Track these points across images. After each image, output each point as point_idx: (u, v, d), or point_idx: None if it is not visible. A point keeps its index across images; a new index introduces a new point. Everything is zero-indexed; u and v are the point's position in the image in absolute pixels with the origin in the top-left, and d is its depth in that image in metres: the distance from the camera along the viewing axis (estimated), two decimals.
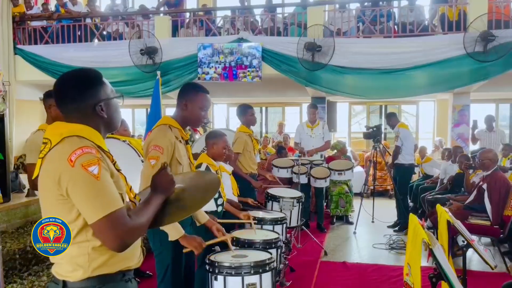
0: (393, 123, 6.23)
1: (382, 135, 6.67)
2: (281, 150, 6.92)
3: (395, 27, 7.50)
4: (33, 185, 3.05)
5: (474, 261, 4.56)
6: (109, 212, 1.38)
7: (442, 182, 6.36)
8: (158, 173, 1.62)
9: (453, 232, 3.14)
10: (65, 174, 1.38)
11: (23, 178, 5.38)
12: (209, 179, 1.94)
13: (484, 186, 4.52)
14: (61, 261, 1.47)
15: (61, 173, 1.39)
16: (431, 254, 1.78)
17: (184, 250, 2.33)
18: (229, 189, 3.54)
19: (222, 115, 11.26)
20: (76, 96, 1.51)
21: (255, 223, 3.32)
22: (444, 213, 2.57)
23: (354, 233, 5.95)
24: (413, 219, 2.17)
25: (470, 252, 3.73)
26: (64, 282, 1.47)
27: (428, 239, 1.80)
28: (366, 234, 6.01)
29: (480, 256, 2.38)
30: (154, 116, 5.72)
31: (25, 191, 4.87)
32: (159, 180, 1.60)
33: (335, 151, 7.36)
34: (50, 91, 3.12)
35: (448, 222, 2.54)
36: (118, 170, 1.58)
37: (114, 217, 1.38)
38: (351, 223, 6.43)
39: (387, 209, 7.04)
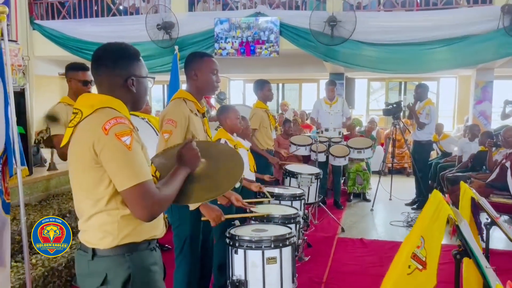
0: (422, 96, 5.97)
1: (402, 113, 6.51)
2: (285, 123, 6.87)
3: (418, 0, 7.25)
4: (62, 154, 3.07)
5: (494, 239, 4.50)
6: (139, 181, 1.40)
7: (460, 160, 6.25)
8: (183, 147, 1.64)
9: (476, 209, 3.09)
10: (99, 142, 1.41)
11: (44, 152, 5.47)
12: (231, 154, 1.92)
13: (507, 164, 4.43)
14: (91, 228, 1.50)
15: (94, 140, 1.41)
16: (457, 230, 1.74)
17: (202, 218, 2.36)
18: (246, 165, 3.53)
19: (238, 91, 11.20)
20: (110, 64, 1.54)
21: (272, 197, 3.34)
22: (468, 190, 2.51)
23: (371, 210, 5.93)
24: (436, 194, 2.12)
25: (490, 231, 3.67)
26: (94, 250, 1.50)
27: (454, 215, 1.76)
28: (384, 212, 5.99)
29: (505, 234, 2.33)
30: (174, 92, 5.69)
31: (47, 165, 4.96)
32: (184, 154, 1.62)
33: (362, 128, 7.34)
34: (71, 64, 3.13)
35: (472, 199, 2.48)
36: None
37: (143, 187, 1.41)
38: (368, 201, 6.40)
39: (405, 187, 6.98)
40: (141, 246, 1.54)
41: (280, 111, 10.18)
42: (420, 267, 1.95)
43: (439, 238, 1.99)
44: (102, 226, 1.47)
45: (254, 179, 3.58)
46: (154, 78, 1.69)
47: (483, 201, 2.38)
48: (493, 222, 2.45)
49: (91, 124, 1.44)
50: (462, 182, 2.69)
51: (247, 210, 2.84)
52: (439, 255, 1.99)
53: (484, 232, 2.69)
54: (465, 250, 1.80)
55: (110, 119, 1.42)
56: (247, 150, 3.62)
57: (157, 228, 1.62)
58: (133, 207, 1.43)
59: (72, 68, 3.11)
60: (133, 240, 1.50)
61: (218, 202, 2.70)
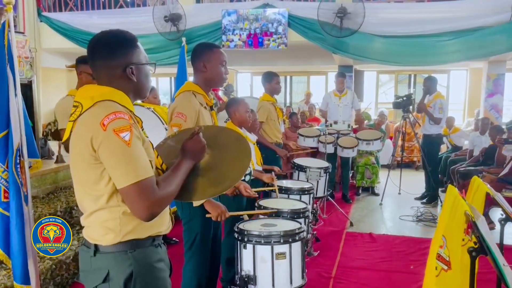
0: (431, 89, 5.85)
1: (411, 107, 6.40)
2: (292, 116, 6.80)
3: None
4: (67, 147, 3.07)
5: (504, 236, 4.43)
6: (139, 179, 1.35)
7: (471, 153, 6.16)
8: (190, 138, 1.58)
9: (488, 204, 3.03)
10: (97, 138, 1.36)
11: (52, 145, 5.47)
12: (237, 141, 1.79)
13: None
14: (93, 224, 1.47)
15: (92, 136, 1.36)
16: (473, 227, 1.69)
17: (207, 215, 2.32)
18: (253, 159, 3.50)
19: (246, 83, 11.13)
20: (106, 54, 1.47)
21: (279, 190, 3.30)
22: (482, 185, 2.45)
23: (380, 204, 5.87)
24: (452, 190, 2.07)
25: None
26: (96, 246, 1.46)
27: (471, 212, 1.71)
28: (392, 206, 5.92)
29: None
30: (181, 84, 5.65)
31: (54, 157, 4.95)
32: (190, 146, 1.56)
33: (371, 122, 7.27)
34: (82, 57, 3.09)
35: (487, 194, 2.42)
36: (146, 137, 1.55)
37: (143, 185, 1.36)
38: (377, 195, 6.34)
39: (414, 180, 6.90)
40: (145, 242, 1.49)
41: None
42: (446, 267, 1.89)
43: (459, 236, 1.92)
44: (104, 223, 1.43)
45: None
46: (155, 64, 1.63)
47: (498, 197, 2.32)
48: (508, 218, 2.38)
49: (90, 119, 1.39)
50: (475, 177, 2.63)
51: (256, 204, 2.80)
52: (461, 252, 1.93)
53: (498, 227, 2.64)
54: (481, 247, 1.74)
55: (109, 114, 1.36)
56: (254, 144, 3.58)
57: (162, 224, 1.57)
58: (131, 206, 1.38)
59: (83, 61, 3.08)
60: (136, 236, 1.46)
61: (224, 193, 2.66)
